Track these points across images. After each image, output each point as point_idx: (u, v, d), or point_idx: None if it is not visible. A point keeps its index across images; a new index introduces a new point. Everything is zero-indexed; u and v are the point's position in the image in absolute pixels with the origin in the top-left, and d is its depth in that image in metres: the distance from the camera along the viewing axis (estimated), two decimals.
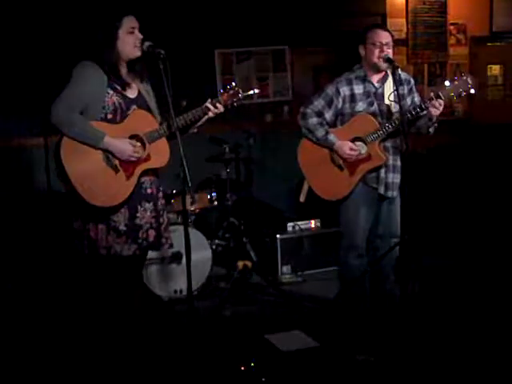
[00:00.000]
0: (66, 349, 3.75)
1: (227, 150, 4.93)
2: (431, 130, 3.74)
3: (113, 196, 2.98)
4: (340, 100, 3.78)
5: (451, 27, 6.73)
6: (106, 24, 3.01)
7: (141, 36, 3.04)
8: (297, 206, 4.21)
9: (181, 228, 4.11)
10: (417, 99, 3.86)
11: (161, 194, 3.23)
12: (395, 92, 3.49)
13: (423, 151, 5.77)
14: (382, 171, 3.77)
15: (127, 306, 3.19)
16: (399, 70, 3.68)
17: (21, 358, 3.67)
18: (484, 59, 6.82)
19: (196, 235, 4.60)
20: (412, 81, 3.90)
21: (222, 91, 3.26)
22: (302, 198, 3.94)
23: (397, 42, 4.58)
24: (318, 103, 3.80)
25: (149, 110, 3.14)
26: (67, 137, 2.91)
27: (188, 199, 4.32)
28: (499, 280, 4.61)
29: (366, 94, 3.76)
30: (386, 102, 3.76)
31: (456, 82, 3.55)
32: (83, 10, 5.05)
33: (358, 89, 3.76)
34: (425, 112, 3.60)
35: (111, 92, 3.00)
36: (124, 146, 2.98)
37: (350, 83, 3.78)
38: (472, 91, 3.54)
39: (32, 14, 5.18)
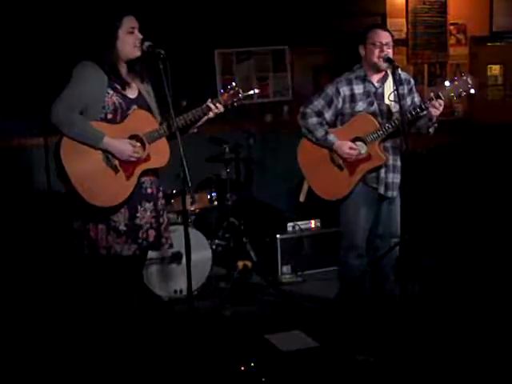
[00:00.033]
0: (66, 349, 3.75)
1: (227, 150, 4.93)
2: (431, 130, 3.74)
3: (113, 196, 2.98)
4: (340, 100, 3.78)
5: (451, 27, 6.73)
6: (106, 24, 3.01)
7: (141, 36, 3.04)
8: (297, 205, 4.21)
9: (181, 228, 4.11)
10: (417, 99, 3.86)
11: (161, 194, 3.23)
12: (395, 92, 3.49)
13: (423, 151, 5.77)
14: (382, 171, 3.77)
15: (127, 306, 3.19)
16: (399, 69, 3.68)
17: (21, 358, 3.67)
18: (484, 59, 6.82)
19: (196, 235, 4.60)
20: (412, 81, 3.90)
21: (222, 91, 3.26)
22: (301, 198, 3.94)
23: (397, 42, 4.58)
24: (318, 103, 3.80)
25: (149, 110, 3.14)
26: (67, 137, 2.91)
27: (188, 199, 4.32)
28: (499, 280, 4.61)
29: (366, 94, 3.76)
30: (386, 101, 3.76)
31: (456, 82, 3.55)
32: (83, 10, 5.05)
33: (358, 89, 3.76)
34: (425, 112, 3.60)
35: (111, 92, 3.01)
36: (124, 147, 2.98)
37: (349, 83, 3.78)
38: (472, 91, 3.54)
39: (32, 14, 5.18)
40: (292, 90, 6.23)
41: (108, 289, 3.18)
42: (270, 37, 5.99)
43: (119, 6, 3.82)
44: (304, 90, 6.05)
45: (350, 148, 3.71)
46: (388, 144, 3.77)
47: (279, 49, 6.16)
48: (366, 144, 3.71)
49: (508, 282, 4.52)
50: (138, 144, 3.03)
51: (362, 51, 3.77)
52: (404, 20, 6.53)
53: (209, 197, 4.94)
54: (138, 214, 3.08)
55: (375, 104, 3.75)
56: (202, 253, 4.65)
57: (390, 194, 3.80)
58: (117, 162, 2.99)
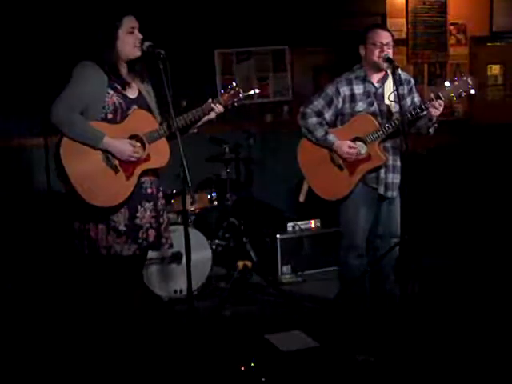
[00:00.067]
0: (66, 349, 3.75)
1: (227, 150, 4.93)
2: (431, 130, 3.74)
3: (113, 196, 2.98)
4: (340, 100, 3.78)
5: (451, 27, 6.73)
6: (106, 24, 3.01)
7: (141, 36, 3.04)
8: (297, 205, 4.21)
9: (181, 228, 4.11)
10: (417, 99, 3.86)
11: (161, 194, 3.22)
12: (395, 92, 3.49)
13: (423, 151, 5.77)
14: (382, 171, 3.77)
15: (127, 306, 3.19)
16: (399, 69, 3.68)
17: (21, 358, 3.67)
18: (484, 59, 6.82)
19: (196, 235, 4.60)
20: (412, 81, 3.90)
21: (222, 92, 3.26)
22: (301, 198, 3.94)
23: (397, 42, 4.57)
24: (318, 103, 3.80)
25: (149, 110, 3.14)
26: (67, 137, 2.91)
27: (188, 199, 4.32)
28: (499, 280, 4.61)
29: (366, 94, 3.76)
30: (386, 102, 3.76)
31: (456, 83, 3.55)
32: (83, 10, 5.05)
33: (358, 89, 3.76)
34: (425, 112, 3.60)
35: (111, 92, 3.00)
36: (123, 147, 2.98)
37: (350, 83, 3.78)
38: (472, 92, 3.54)
39: (32, 14, 5.18)
40: (292, 90, 6.23)
41: (108, 289, 3.18)
42: (270, 37, 5.99)
43: (119, 5, 3.83)
44: (304, 89, 6.05)
45: (350, 147, 3.71)
46: (388, 144, 3.77)
47: (279, 49, 6.16)
48: (365, 144, 3.71)
49: (508, 282, 4.52)
50: (138, 144, 3.03)
51: (362, 51, 3.77)
52: (404, 20, 6.53)
53: (209, 197, 4.94)
54: (138, 214, 3.08)
55: (375, 104, 3.75)
56: (202, 253, 4.65)
57: (389, 194, 3.80)
58: (117, 162, 2.99)
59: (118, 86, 3.04)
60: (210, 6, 5.72)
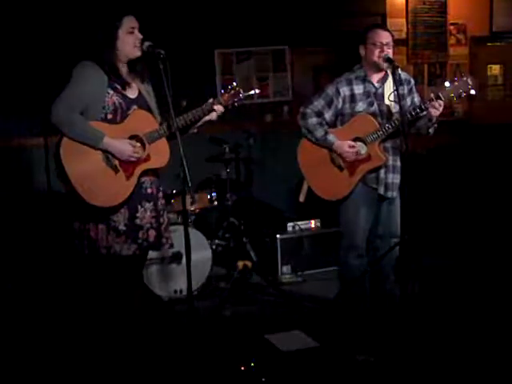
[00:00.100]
0: (66, 349, 3.75)
1: (227, 150, 4.93)
2: (431, 130, 3.74)
3: (113, 196, 2.98)
4: (340, 100, 3.78)
5: (451, 27, 6.73)
6: (106, 24, 3.01)
7: (141, 36, 3.04)
8: (297, 205, 4.21)
9: (181, 228, 4.11)
10: (417, 99, 3.86)
11: (161, 194, 3.22)
12: (395, 92, 3.48)
13: (423, 152, 5.77)
14: (382, 172, 3.77)
15: (127, 306, 3.19)
16: (399, 69, 3.68)
17: (21, 358, 3.67)
18: (484, 59, 6.82)
19: (196, 235, 4.60)
20: (412, 81, 3.90)
21: (222, 92, 3.26)
22: (301, 198, 3.94)
23: (397, 42, 4.57)
24: (318, 103, 3.80)
25: (149, 110, 3.14)
26: (67, 137, 2.91)
27: (188, 199, 4.32)
28: (499, 280, 4.61)
29: (366, 94, 3.76)
30: (386, 102, 3.76)
31: (456, 83, 3.55)
32: (83, 10, 5.05)
33: (358, 89, 3.76)
34: (425, 112, 3.60)
35: (111, 92, 3.00)
36: (123, 147, 2.98)
37: (350, 83, 3.78)
38: (472, 92, 3.54)
39: (32, 14, 5.18)
40: (292, 90, 6.23)
41: (108, 289, 3.18)
42: (270, 37, 5.99)
43: (119, 5, 3.82)
44: (304, 89, 6.06)
45: (350, 146, 3.71)
46: (388, 144, 3.77)
47: (279, 49, 6.16)
48: (365, 144, 3.71)
49: (508, 282, 4.52)
50: (138, 144, 3.03)
51: (362, 51, 3.77)
52: (404, 20, 6.53)
53: (209, 197, 4.94)
54: (138, 214, 3.08)
55: (375, 104, 3.75)
56: (202, 253, 4.65)
57: (389, 194, 3.80)
58: (117, 162, 2.99)
59: (118, 86, 3.04)
60: (210, 6, 5.72)
